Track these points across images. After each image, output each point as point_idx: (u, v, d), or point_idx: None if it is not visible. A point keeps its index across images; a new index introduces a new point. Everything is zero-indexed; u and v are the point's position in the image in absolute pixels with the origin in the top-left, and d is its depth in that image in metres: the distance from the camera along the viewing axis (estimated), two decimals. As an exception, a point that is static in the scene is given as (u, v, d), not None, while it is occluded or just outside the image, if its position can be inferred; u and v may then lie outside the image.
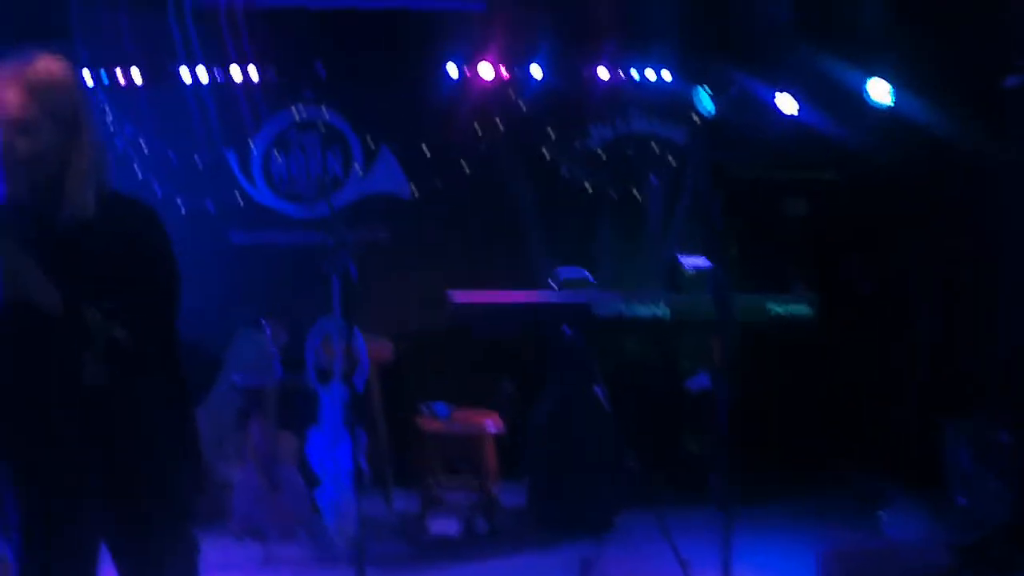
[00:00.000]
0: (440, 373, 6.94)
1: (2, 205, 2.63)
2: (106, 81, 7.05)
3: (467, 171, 7.20)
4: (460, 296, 6.03)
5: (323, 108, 7.22)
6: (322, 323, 5.63)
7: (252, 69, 7.10)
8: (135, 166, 6.97)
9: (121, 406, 2.68)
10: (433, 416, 6.17)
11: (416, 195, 7.27)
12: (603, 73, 7.33)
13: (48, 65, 2.69)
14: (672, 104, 7.36)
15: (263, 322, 5.72)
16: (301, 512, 5.67)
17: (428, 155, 7.21)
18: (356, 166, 7.27)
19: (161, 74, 7.00)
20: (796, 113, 7.05)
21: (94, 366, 2.60)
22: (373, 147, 7.27)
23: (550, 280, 6.56)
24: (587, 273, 6.59)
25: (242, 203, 7.16)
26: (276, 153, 7.23)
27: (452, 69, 7.17)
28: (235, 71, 7.05)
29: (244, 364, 6.15)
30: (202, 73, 7.07)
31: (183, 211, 6.98)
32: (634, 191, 7.44)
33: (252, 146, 7.17)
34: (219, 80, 7.10)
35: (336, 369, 5.53)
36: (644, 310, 6.16)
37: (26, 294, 2.55)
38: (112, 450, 2.70)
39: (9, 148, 2.60)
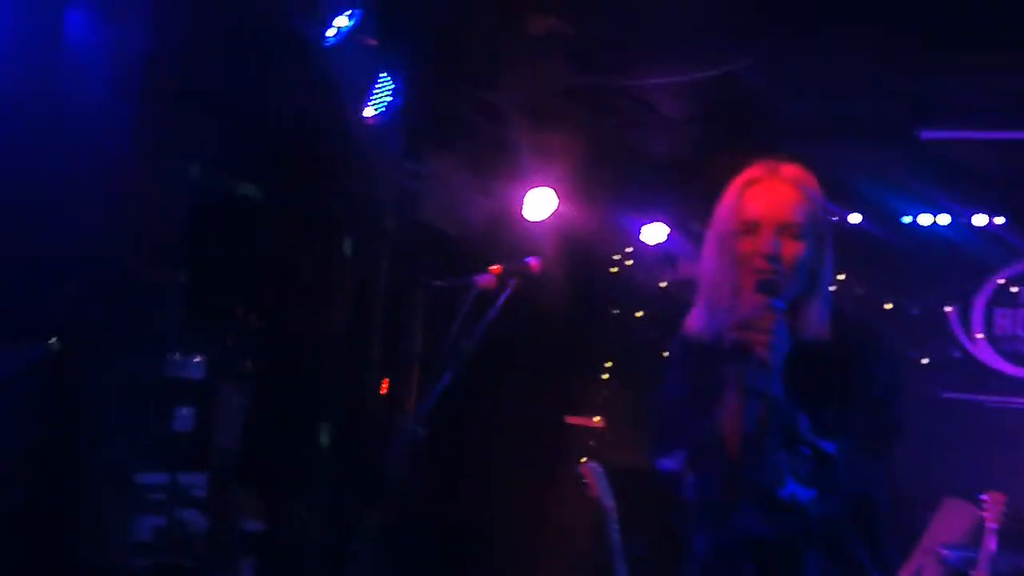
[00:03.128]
0: None
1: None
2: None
3: None
4: None
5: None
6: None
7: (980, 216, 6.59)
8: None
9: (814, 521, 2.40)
10: None
11: None
12: None
13: (807, 173, 2.50)
14: None
15: (980, 495, 5.11)
16: None
17: None
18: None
19: (884, 215, 6.74)
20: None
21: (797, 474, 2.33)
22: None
23: None
24: None
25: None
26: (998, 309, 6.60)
27: None
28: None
29: (951, 536, 5.59)
30: (925, 218, 6.71)
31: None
32: None
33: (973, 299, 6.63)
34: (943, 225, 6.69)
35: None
36: None
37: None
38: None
39: (778, 252, 2.37)
